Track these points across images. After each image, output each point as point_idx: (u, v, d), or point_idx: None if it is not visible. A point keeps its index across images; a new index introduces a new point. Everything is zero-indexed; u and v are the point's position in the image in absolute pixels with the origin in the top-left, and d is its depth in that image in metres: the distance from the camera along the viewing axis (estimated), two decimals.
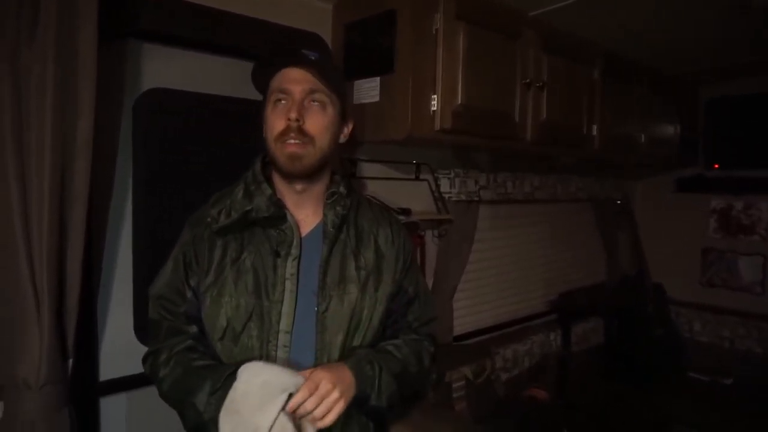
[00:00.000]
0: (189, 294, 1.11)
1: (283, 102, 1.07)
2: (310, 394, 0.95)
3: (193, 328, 1.11)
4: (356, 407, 1.05)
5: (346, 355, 1.09)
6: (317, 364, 1.07)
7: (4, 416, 1.14)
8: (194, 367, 1.05)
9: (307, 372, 0.99)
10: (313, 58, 1.08)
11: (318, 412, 0.95)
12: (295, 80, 1.06)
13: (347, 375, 1.02)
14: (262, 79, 1.11)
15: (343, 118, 1.15)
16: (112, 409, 1.45)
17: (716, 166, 2.97)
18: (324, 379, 0.97)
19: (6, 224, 1.07)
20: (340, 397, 0.97)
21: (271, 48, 1.19)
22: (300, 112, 1.05)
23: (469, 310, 2.39)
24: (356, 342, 1.11)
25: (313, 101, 1.07)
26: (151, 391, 1.47)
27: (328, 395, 0.96)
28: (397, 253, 1.20)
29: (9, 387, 1.13)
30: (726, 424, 2.09)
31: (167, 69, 1.47)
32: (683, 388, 2.47)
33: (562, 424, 1.99)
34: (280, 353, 1.06)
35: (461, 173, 2.14)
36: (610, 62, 2.19)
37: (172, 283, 1.12)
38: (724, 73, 2.69)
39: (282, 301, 1.06)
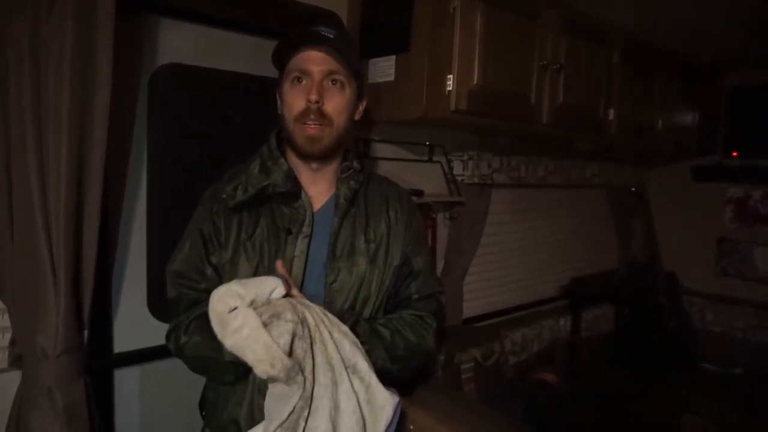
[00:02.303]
0: (209, 271, 1.11)
1: (302, 82, 1.07)
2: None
3: None
4: None
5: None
6: None
7: (22, 384, 1.17)
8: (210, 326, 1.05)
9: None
10: (331, 36, 1.07)
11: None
12: (315, 61, 1.06)
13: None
14: (281, 56, 1.11)
15: (358, 96, 1.15)
16: (126, 381, 1.49)
17: (734, 154, 2.91)
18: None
19: (24, 196, 1.09)
20: None
21: (291, 26, 1.18)
22: (320, 94, 1.05)
23: (480, 293, 2.39)
24: (364, 314, 1.13)
25: (333, 82, 1.08)
26: (164, 365, 1.51)
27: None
28: (405, 226, 1.21)
29: (27, 355, 1.15)
30: (736, 415, 2.08)
31: (183, 44, 1.47)
32: (693, 377, 2.46)
33: (571, 409, 2.00)
34: None
35: (474, 156, 2.12)
36: (631, 46, 2.15)
37: (191, 261, 1.12)
38: (750, 60, 2.62)
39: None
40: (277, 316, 0.90)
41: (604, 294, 2.94)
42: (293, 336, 0.89)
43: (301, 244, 1.09)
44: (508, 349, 2.34)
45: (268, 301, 0.92)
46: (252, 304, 0.90)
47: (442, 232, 2.16)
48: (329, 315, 0.98)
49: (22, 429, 1.15)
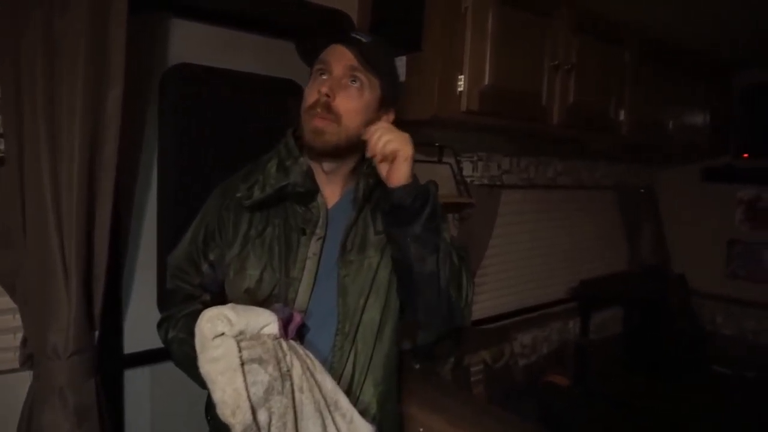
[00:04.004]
0: (205, 267, 1.12)
1: (323, 76, 1.05)
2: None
3: (206, 296, 1.13)
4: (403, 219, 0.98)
5: (361, 323, 1.09)
6: (339, 328, 1.07)
7: (33, 384, 1.16)
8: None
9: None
10: (364, 40, 1.05)
11: (386, 146, 0.95)
12: (337, 55, 1.05)
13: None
14: (310, 53, 1.10)
15: (383, 105, 1.10)
16: (136, 381, 1.48)
17: (745, 155, 2.89)
18: (382, 127, 0.98)
19: (37, 195, 1.09)
20: (403, 140, 0.96)
21: (301, 26, 1.17)
22: (332, 89, 1.02)
23: (489, 295, 2.38)
24: (375, 305, 1.10)
25: (352, 80, 1.04)
26: (174, 366, 1.50)
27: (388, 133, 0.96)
28: None
29: (39, 355, 1.15)
30: (748, 418, 2.06)
31: (195, 44, 1.47)
32: (705, 380, 2.44)
33: (581, 411, 1.98)
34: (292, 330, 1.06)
35: (484, 157, 2.11)
36: (643, 46, 2.14)
37: (189, 255, 1.13)
38: (762, 60, 2.60)
39: (300, 279, 1.06)
40: (258, 361, 0.88)
41: (613, 296, 2.92)
42: (267, 391, 0.87)
43: (314, 246, 1.08)
44: (518, 352, 2.33)
45: (258, 336, 0.91)
46: (240, 334, 0.89)
47: (452, 233, 2.14)
48: (311, 355, 0.97)
49: (33, 428, 1.14)
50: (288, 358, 0.92)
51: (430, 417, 1.47)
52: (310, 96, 1.05)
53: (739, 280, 2.99)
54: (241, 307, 0.91)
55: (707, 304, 3.09)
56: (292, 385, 0.91)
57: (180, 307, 1.12)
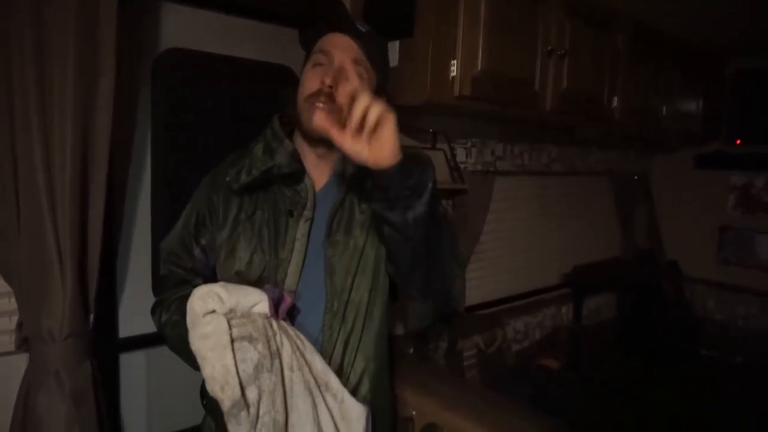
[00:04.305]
0: (197, 251, 1.14)
1: (322, 65, 1.06)
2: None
3: (198, 280, 1.14)
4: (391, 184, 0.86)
5: (350, 302, 1.10)
6: (328, 306, 1.08)
7: (29, 366, 1.18)
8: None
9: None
10: (363, 29, 1.06)
11: (371, 114, 0.79)
12: (339, 46, 1.05)
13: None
14: (310, 37, 1.10)
15: (377, 94, 1.09)
16: (132, 365, 1.49)
17: (738, 141, 2.91)
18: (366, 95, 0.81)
19: (29, 179, 1.09)
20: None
21: (294, 10, 1.16)
22: (335, 79, 1.03)
23: (482, 281, 2.40)
24: (363, 284, 1.12)
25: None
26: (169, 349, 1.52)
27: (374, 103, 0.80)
28: None
29: (34, 338, 1.16)
30: (738, 401, 2.10)
31: (186, 29, 1.46)
32: (696, 365, 2.48)
33: (572, 395, 2.01)
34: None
35: (478, 143, 2.12)
36: (636, 31, 2.14)
37: (182, 240, 1.15)
38: (755, 46, 2.61)
39: (290, 260, 1.08)
40: (248, 338, 0.89)
41: (606, 282, 2.95)
42: (257, 368, 0.89)
43: (302, 228, 1.09)
44: (511, 337, 2.36)
45: (248, 314, 0.92)
46: (230, 312, 0.90)
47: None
48: (301, 336, 0.98)
49: (29, 410, 1.16)
50: (278, 337, 0.93)
51: (423, 401, 1.49)
52: (311, 84, 1.05)
53: (730, 265, 3.02)
54: (232, 286, 0.93)
55: (699, 290, 3.12)
56: (281, 363, 0.92)
57: (173, 291, 1.13)
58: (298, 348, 0.96)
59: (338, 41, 1.06)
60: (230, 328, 0.88)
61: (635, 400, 2.08)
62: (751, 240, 2.94)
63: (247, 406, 0.88)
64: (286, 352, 0.94)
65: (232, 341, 0.87)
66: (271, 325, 0.94)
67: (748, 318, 2.95)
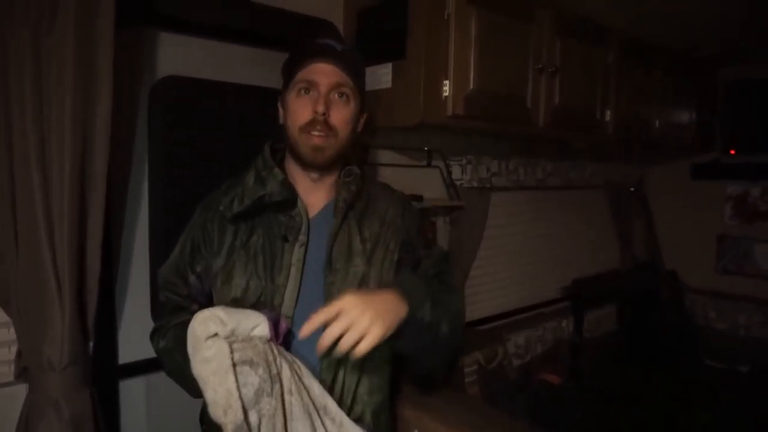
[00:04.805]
0: (192, 278, 1.16)
1: (309, 93, 1.08)
2: (328, 317, 0.87)
3: (194, 307, 1.15)
4: (407, 335, 0.97)
5: None
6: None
7: (29, 396, 1.18)
8: (184, 335, 1.04)
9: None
10: (339, 50, 1.10)
11: (344, 342, 0.86)
12: (324, 73, 1.08)
13: (386, 297, 0.94)
14: (290, 66, 1.13)
15: (361, 109, 1.17)
16: (132, 391, 1.49)
17: (732, 152, 2.92)
18: (350, 303, 0.87)
19: (27, 208, 1.10)
20: (372, 322, 0.87)
21: (288, 36, 1.19)
22: (327, 106, 1.07)
23: (482, 297, 2.40)
24: None
25: (339, 95, 1.10)
26: None
27: (356, 320, 0.86)
28: (402, 220, 1.22)
29: (34, 368, 1.16)
30: (741, 411, 2.08)
31: (182, 57, 1.49)
32: (699, 375, 2.46)
33: (575, 409, 2.00)
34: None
35: (473, 160, 2.13)
36: (626, 45, 2.16)
37: (177, 268, 1.18)
38: (746, 55, 2.63)
39: (286, 286, 1.08)
40: (249, 363, 0.90)
41: (606, 294, 2.94)
42: (257, 393, 0.90)
43: (297, 252, 1.10)
44: (512, 352, 2.35)
45: (249, 338, 0.93)
46: (232, 335, 0.91)
47: (443, 236, 2.17)
48: (297, 360, 0.99)
49: None
50: (278, 361, 0.94)
51: (425, 418, 1.48)
52: (304, 114, 1.08)
53: (730, 275, 3.02)
54: (231, 309, 0.94)
55: (699, 300, 3.11)
56: (281, 387, 0.93)
57: (169, 318, 1.15)
58: (296, 372, 0.96)
59: (322, 68, 1.08)
60: (232, 352, 0.89)
61: (638, 411, 2.07)
62: (749, 249, 2.95)
63: (250, 428, 0.88)
64: (286, 375, 0.94)
65: (234, 365, 0.88)
66: (272, 349, 0.94)
67: (749, 327, 2.94)
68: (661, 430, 1.93)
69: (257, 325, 0.94)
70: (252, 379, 0.89)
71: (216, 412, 0.87)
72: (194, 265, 1.15)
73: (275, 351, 0.95)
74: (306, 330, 0.88)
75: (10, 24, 1.07)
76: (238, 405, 0.87)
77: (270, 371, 0.92)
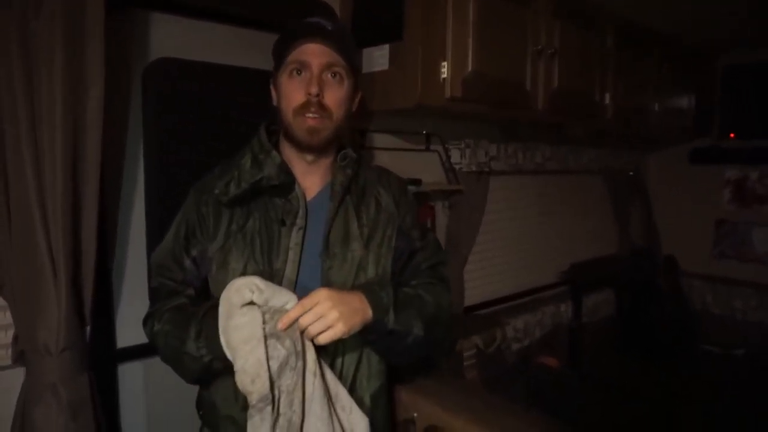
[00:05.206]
0: (188, 263, 1.13)
1: (301, 74, 1.07)
2: (303, 311, 0.93)
3: (190, 291, 1.14)
4: (372, 337, 1.06)
5: None
6: None
7: (26, 381, 1.18)
8: (180, 317, 1.07)
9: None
10: (330, 28, 1.07)
11: (312, 329, 0.93)
12: (315, 53, 1.06)
13: (356, 299, 1.00)
14: (280, 47, 1.11)
15: (354, 89, 1.16)
16: (130, 375, 1.49)
17: (732, 135, 2.92)
18: (323, 297, 0.94)
19: (21, 193, 1.09)
20: (339, 318, 0.94)
21: (283, 17, 1.18)
22: (320, 86, 1.05)
23: (480, 281, 2.40)
24: None
25: (332, 75, 1.08)
26: None
27: (326, 313, 0.93)
28: (397, 207, 1.22)
29: (30, 352, 1.16)
30: (738, 396, 2.10)
31: (175, 38, 1.47)
32: (695, 360, 2.47)
33: (573, 392, 2.01)
34: None
35: (472, 144, 2.12)
36: (625, 29, 2.15)
37: (172, 252, 1.14)
38: (744, 40, 2.61)
39: (284, 270, 1.08)
40: (276, 336, 0.90)
41: (604, 279, 2.95)
42: (281, 366, 0.90)
43: (295, 236, 1.09)
44: (510, 336, 2.35)
45: (280, 311, 0.93)
46: (265, 304, 0.91)
47: (441, 220, 2.16)
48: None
49: (27, 424, 1.15)
50: (303, 339, 0.94)
51: (424, 402, 1.49)
52: (297, 96, 1.07)
53: (727, 259, 3.03)
54: (267, 282, 0.94)
55: (697, 284, 3.12)
56: (304, 365, 0.93)
57: (164, 303, 1.12)
58: (319, 356, 0.97)
59: (313, 48, 1.06)
60: (264, 322, 0.89)
61: (635, 396, 2.08)
62: (747, 233, 2.95)
63: (273, 401, 0.88)
64: (311, 356, 0.95)
65: (265, 336, 0.88)
66: (297, 327, 0.94)
67: (746, 311, 2.96)
68: (658, 416, 1.94)
69: (288, 301, 0.94)
70: (279, 352, 0.90)
71: (243, 380, 0.87)
72: (189, 249, 1.13)
73: (299, 329, 0.95)
74: (284, 323, 0.92)
75: None
76: (266, 375, 0.87)
77: (295, 347, 0.92)
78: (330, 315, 0.93)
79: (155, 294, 1.16)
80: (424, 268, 1.23)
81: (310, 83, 1.05)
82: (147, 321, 1.15)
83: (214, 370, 1.02)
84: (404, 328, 1.07)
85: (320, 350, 1.03)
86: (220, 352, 0.94)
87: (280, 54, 1.10)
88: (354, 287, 1.08)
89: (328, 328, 0.93)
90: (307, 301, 0.94)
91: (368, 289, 1.04)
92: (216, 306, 0.96)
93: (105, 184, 1.25)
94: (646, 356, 2.46)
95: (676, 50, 2.51)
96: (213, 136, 1.51)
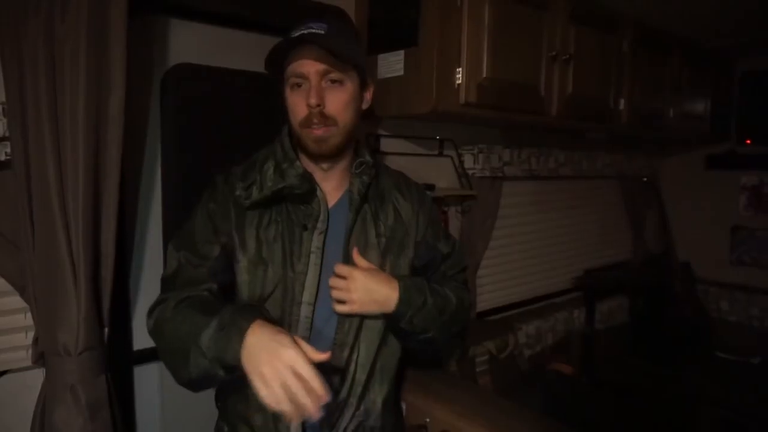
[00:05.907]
0: (217, 250, 1.08)
1: (301, 86, 1.06)
2: (341, 275, 1.06)
3: (212, 284, 1.07)
4: (389, 325, 1.14)
5: (364, 325, 1.13)
6: (339, 330, 1.10)
7: (46, 381, 1.19)
8: (204, 305, 1.01)
9: None
10: (321, 32, 1.02)
11: (334, 294, 1.06)
12: (309, 62, 1.03)
13: (384, 291, 1.08)
14: (277, 64, 1.07)
15: (362, 86, 1.12)
16: (146, 377, 1.51)
17: (748, 141, 2.88)
18: (356, 276, 1.05)
19: (43, 196, 1.11)
20: (355, 300, 1.05)
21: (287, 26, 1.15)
22: (319, 96, 1.03)
23: (493, 287, 2.39)
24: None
25: (331, 81, 1.05)
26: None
27: (348, 289, 1.05)
28: (417, 218, 1.22)
29: (50, 353, 1.17)
30: (754, 404, 2.07)
31: (194, 44, 1.49)
32: (710, 367, 2.44)
33: (587, 399, 1.99)
34: (302, 324, 1.08)
35: (485, 149, 2.12)
36: (641, 33, 2.14)
37: (200, 236, 1.09)
38: (763, 45, 2.59)
39: (306, 273, 1.08)
40: None
41: (618, 285, 2.92)
42: None
43: (316, 240, 1.09)
44: (523, 342, 2.34)
45: None
46: None
47: (454, 225, 2.16)
48: None
49: (47, 424, 1.17)
50: None
51: (436, 407, 1.49)
52: (299, 110, 1.06)
53: (743, 266, 2.99)
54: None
55: (712, 291, 3.09)
56: None
57: (180, 291, 1.05)
58: None
59: (305, 61, 1.03)
60: None
61: (650, 403, 2.06)
62: (764, 240, 2.91)
63: None
64: None
65: None
66: None
67: (762, 318, 2.92)
68: (672, 423, 1.92)
69: None
70: None
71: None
72: (219, 235, 1.09)
73: None
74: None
75: (22, 11, 1.07)
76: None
77: None
78: (351, 292, 1.04)
79: (169, 280, 1.09)
80: (450, 275, 1.28)
81: (309, 95, 1.03)
82: (155, 308, 1.07)
83: (214, 374, 0.96)
84: (422, 328, 1.13)
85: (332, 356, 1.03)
86: (233, 361, 0.90)
87: (281, 68, 1.08)
88: (363, 326, 1.14)
89: (344, 302, 1.05)
90: (346, 270, 1.05)
91: (408, 285, 1.11)
92: (245, 309, 0.98)
93: (124, 188, 1.27)
94: (660, 362, 2.43)
95: (695, 55, 2.49)
96: (230, 140, 1.52)
